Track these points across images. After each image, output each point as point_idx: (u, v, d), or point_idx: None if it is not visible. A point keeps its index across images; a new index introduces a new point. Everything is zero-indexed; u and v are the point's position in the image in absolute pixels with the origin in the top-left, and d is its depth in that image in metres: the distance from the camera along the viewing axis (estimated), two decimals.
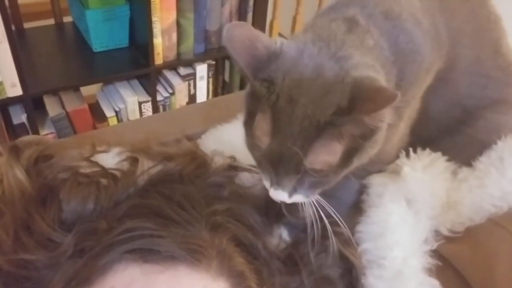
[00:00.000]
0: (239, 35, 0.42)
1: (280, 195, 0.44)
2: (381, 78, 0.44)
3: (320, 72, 0.41)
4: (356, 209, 0.54)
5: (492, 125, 0.58)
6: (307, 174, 0.43)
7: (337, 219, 0.47)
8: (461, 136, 0.58)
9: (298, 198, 0.45)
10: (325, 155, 0.42)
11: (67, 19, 1.71)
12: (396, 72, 0.46)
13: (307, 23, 0.52)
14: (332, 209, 0.47)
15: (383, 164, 0.55)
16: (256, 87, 0.42)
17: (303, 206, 0.47)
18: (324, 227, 0.48)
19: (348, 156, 0.43)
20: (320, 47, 0.43)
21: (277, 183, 0.44)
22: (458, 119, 0.58)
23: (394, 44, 0.46)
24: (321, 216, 0.47)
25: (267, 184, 0.45)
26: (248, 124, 0.45)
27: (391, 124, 0.46)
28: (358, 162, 0.44)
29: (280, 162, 0.42)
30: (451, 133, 0.58)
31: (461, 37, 0.53)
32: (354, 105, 0.39)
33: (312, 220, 0.47)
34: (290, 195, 0.44)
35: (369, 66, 0.43)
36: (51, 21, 1.69)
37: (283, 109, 0.41)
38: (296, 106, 0.40)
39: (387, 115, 0.43)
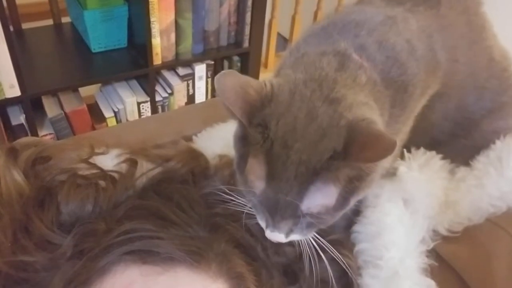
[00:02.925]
0: (231, 84, 0.41)
1: (276, 237, 0.44)
2: (376, 113, 0.43)
3: (314, 116, 0.40)
4: (353, 210, 0.54)
5: (490, 135, 0.58)
6: (304, 218, 0.42)
7: (332, 253, 0.46)
8: (457, 145, 0.58)
9: (295, 237, 0.44)
10: (321, 199, 0.41)
11: (66, 19, 1.71)
12: (388, 102, 0.46)
13: (297, 44, 0.51)
14: (330, 246, 0.46)
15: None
16: (251, 133, 0.41)
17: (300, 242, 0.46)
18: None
19: (344, 198, 0.42)
20: (313, 88, 0.42)
21: (273, 226, 0.43)
22: (450, 133, 0.58)
23: (387, 76, 0.46)
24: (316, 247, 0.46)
25: (262, 224, 0.45)
26: (240, 167, 0.44)
27: None
28: (354, 202, 0.44)
29: (276, 208, 0.42)
30: (445, 143, 0.58)
31: (457, 54, 0.53)
32: (350, 151, 0.39)
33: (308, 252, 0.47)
34: (287, 236, 0.44)
35: (363, 104, 0.43)
36: (50, 22, 1.69)
37: (277, 154, 0.40)
38: (291, 151, 0.40)
39: (385, 161, 0.42)
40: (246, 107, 0.41)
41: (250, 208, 0.46)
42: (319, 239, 0.46)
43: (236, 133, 0.45)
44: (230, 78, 0.41)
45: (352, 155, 0.39)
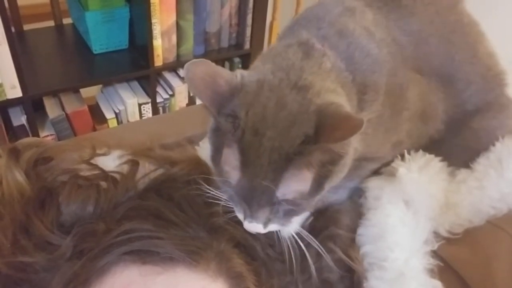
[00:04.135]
0: (200, 73, 0.41)
1: (255, 227, 0.44)
2: (343, 99, 0.44)
3: (283, 104, 0.41)
4: (355, 213, 0.54)
5: (481, 132, 0.58)
6: (280, 205, 0.43)
7: (318, 248, 0.46)
8: (450, 145, 0.58)
9: (273, 227, 0.45)
10: (296, 184, 0.42)
11: (67, 21, 1.71)
12: (356, 89, 0.47)
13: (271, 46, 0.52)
14: (311, 237, 0.46)
15: (379, 160, 0.55)
16: (221, 122, 0.42)
17: (279, 235, 0.47)
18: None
19: (318, 183, 0.43)
20: (280, 78, 0.43)
21: (251, 216, 0.44)
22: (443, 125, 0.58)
23: (351, 62, 0.47)
24: (300, 239, 0.47)
25: (240, 216, 0.45)
26: (216, 160, 0.44)
27: (365, 133, 0.46)
28: (328, 186, 0.44)
29: (252, 196, 0.42)
30: (438, 142, 0.58)
31: (425, 37, 0.53)
32: (321, 134, 0.39)
33: (292, 243, 0.47)
34: (265, 225, 0.44)
35: (330, 90, 0.43)
36: (51, 23, 1.69)
37: (250, 143, 0.41)
38: (263, 139, 0.40)
39: (354, 140, 0.43)
40: (214, 96, 0.42)
41: (227, 200, 0.46)
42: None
43: (210, 125, 0.45)
44: (200, 67, 0.41)
45: (323, 137, 0.39)
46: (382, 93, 0.49)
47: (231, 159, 0.42)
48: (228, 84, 0.42)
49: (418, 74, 0.53)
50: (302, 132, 0.40)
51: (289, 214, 0.44)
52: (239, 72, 0.43)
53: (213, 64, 0.42)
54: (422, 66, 0.53)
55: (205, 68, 0.41)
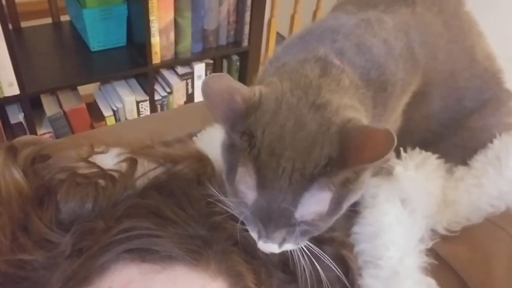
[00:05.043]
0: (216, 88, 0.40)
1: (270, 248, 0.44)
2: (362, 114, 0.44)
3: (302, 124, 0.40)
4: (351, 211, 0.54)
5: (479, 132, 0.58)
6: (298, 226, 0.42)
7: (328, 262, 0.46)
8: (447, 145, 0.58)
9: (288, 246, 0.44)
10: (315, 206, 0.41)
11: (65, 18, 1.71)
12: (371, 103, 0.47)
13: (276, 54, 0.51)
14: (321, 252, 0.46)
15: None
16: (236, 140, 0.41)
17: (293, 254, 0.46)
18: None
19: (337, 203, 0.42)
20: (299, 96, 0.42)
21: (266, 237, 0.43)
22: (437, 132, 0.58)
23: (367, 79, 0.47)
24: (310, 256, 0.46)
25: (254, 236, 0.44)
26: (230, 179, 0.44)
27: None
28: (346, 206, 0.44)
29: (269, 217, 0.41)
30: (434, 144, 0.58)
31: (436, 52, 0.53)
32: (348, 155, 0.38)
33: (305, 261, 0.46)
34: (280, 245, 0.44)
35: (348, 106, 0.43)
36: (49, 20, 1.69)
37: (266, 163, 0.40)
38: (281, 159, 0.39)
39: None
40: (229, 113, 0.41)
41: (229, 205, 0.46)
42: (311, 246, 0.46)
43: (223, 141, 0.45)
44: (218, 82, 0.41)
45: (351, 159, 0.38)
46: (389, 110, 0.49)
47: (246, 178, 0.42)
48: (245, 101, 0.41)
49: (422, 87, 0.53)
50: (325, 153, 0.39)
51: (305, 234, 0.43)
52: (258, 89, 0.42)
53: (232, 79, 0.41)
54: (427, 80, 0.53)
55: (222, 83, 0.41)
